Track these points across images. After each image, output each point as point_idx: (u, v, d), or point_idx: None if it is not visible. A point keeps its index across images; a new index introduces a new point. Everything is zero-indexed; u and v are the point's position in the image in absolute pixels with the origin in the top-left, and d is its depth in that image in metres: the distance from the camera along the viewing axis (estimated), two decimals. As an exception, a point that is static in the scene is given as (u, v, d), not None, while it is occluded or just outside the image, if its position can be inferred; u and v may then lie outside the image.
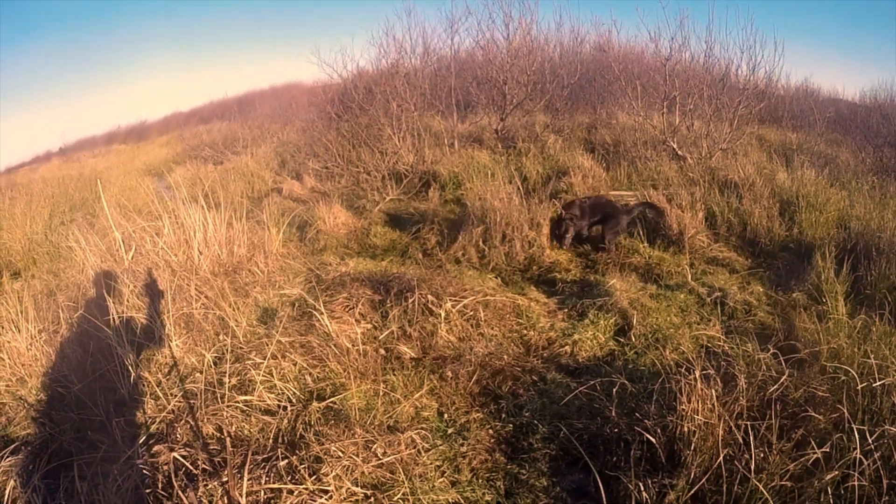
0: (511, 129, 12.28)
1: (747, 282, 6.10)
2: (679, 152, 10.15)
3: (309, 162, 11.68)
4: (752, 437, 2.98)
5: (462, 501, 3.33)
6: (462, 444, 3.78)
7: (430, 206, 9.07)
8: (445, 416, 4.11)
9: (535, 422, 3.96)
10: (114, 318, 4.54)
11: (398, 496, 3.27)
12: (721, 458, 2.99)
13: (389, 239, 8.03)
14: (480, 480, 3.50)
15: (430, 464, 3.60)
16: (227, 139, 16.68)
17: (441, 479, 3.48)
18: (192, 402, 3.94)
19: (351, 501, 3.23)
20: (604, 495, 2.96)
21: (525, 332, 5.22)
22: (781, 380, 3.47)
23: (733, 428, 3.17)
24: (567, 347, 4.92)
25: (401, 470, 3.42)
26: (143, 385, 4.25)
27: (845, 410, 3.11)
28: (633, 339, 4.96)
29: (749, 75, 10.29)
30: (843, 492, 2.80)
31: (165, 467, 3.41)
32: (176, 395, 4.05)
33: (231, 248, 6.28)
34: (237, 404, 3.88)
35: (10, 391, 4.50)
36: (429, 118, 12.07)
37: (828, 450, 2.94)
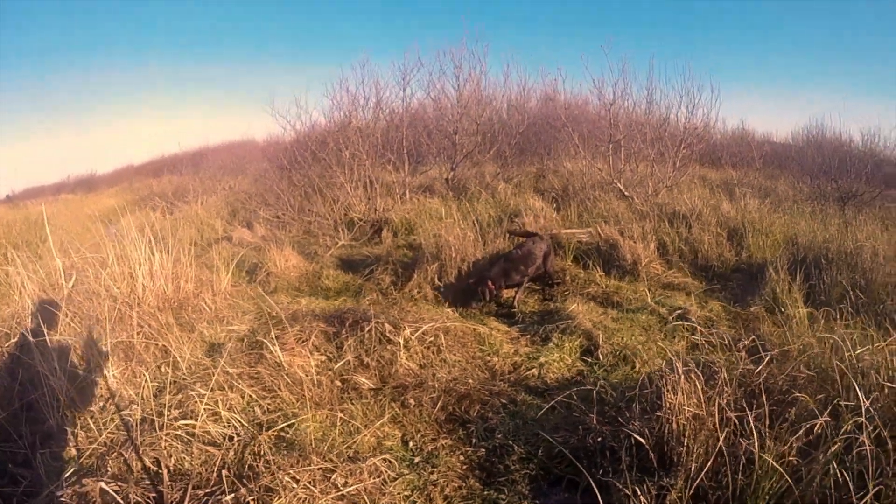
0: (461, 178, 12.06)
1: (705, 301, 5.94)
2: (626, 192, 10.02)
3: (260, 210, 11.22)
4: (750, 418, 2.73)
5: (437, 533, 2.85)
6: (432, 472, 3.34)
7: (384, 248, 8.64)
8: (411, 444, 3.65)
9: (510, 443, 3.53)
10: (47, 346, 3.98)
11: (364, 530, 2.78)
12: (720, 443, 2.72)
13: (342, 281, 7.54)
14: (455, 508, 3.03)
15: (398, 494, 3.15)
16: (178, 191, 16.14)
17: (411, 511, 3.01)
18: (127, 434, 3.40)
19: (309, 538, 2.73)
20: (604, 499, 2.54)
21: (489, 357, 4.82)
22: (760, 368, 3.31)
23: (725, 418, 2.88)
24: (534, 370, 4.55)
25: (366, 501, 2.93)
26: (74, 416, 3.70)
27: (838, 383, 3.04)
28: (602, 358, 4.70)
29: (688, 117, 10.30)
30: (848, 462, 2.55)
31: (93, 502, 2.88)
32: (109, 427, 3.52)
33: (178, 283, 5.76)
34: (177, 432, 3.34)
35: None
36: (381, 170, 11.77)
37: (829, 418, 2.78)
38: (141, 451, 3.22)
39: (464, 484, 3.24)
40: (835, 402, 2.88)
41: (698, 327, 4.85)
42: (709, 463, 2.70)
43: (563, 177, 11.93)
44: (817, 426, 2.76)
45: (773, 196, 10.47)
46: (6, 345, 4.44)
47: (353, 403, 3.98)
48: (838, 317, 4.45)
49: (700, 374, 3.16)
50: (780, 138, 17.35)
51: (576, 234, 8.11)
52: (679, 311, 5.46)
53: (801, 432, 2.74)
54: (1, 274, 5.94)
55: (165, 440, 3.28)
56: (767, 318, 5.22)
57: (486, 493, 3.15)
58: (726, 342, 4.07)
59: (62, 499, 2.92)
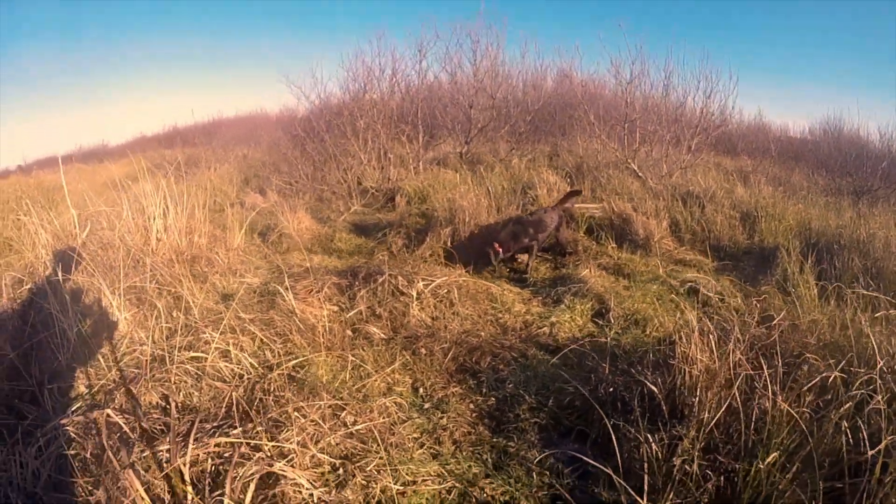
0: (475, 153, 11.96)
1: (716, 278, 5.79)
2: (640, 173, 9.91)
3: (273, 178, 11.16)
4: (765, 374, 2.69)
5: (445, 474, 2.81)
6: (441, 417, 3.32)
7: (397, 214, 8.56)
8: (421, 390, 3.62)
9: (521, 392, 3.49)
10: (60, 289, 3.95)
11: (373, 466, 2.75)
12: (733, 396, 2.64)
13: (354, 244, 7.49)
14: (464, 453, 3.02)
15: (408, 435, 3.12)
16: (191, 159, 16.07)
17: (420, 451, 3.01)
18: (137, 370, 3.37)
19: (318, 472, 2.69)
20: (618, 451, 2.51)
21: (500, 315, 4.78)
22: (773, 333, 3.22)
23: (737, 374, 2.80)
24: (545, 329, 4.50)
25: (376, 438, 2.90)
26: (85, 355, 3.65)
27: (850, 349, 2.99)
28: (613, 321, 4.61)
29: (706, 102, 10.16)
30: (860, 421, 2.46)
31: (97, 432, 2.86)
32: (119, 364, 3.47)
33: (191, 237, 5.71)
34: (186, 366, 3.31)
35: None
36: (395, 142, 11.69)
37: (842, 374, 2.75)
38: (150, 386, 3.20)
39: (473, 430, 3.21)
40: (847, 362, 2.85)
41: (711, 296, 4.81)
42: (720, 414, 2.65)
43: (577, 155, 11.82)
44: (830, 380, 2.72)
45: (787, 185, 10.32)
46: (19, 290, 4.43)
47: (364, 350, 3.95)
48: (849, 298, 4.33)
49: (714, 330, 3.13)
50: (796, 132, 17.23)
51: (589, 208, 8.02)
52: (691, 284, 5.40)
53: (813, 383, 2.70)
54: (15, 237, 5.92)
55: (175, 374, 3.25)
56: (779, 296, 5.14)
57: (495, 440, 3.12)
58: (738, 312, 4.03)
59: (67, 428, 2.91)
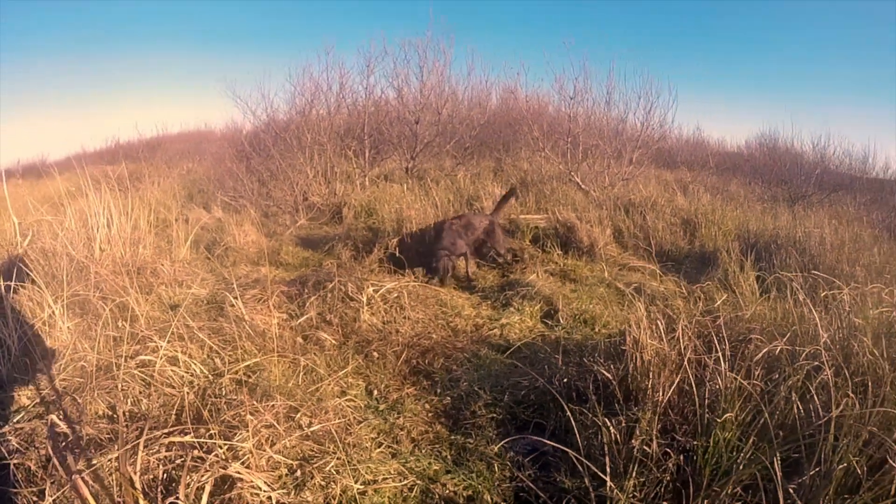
0: (421, 168, 11.98)
1: (660, 280, 5.89)
2: (583, 185, 10.08)
3: (217, 193, 10.97)
4: (716, 354, 2.76)
5: (406, 472, 2.78)
6: (398, 418, 3.29)
7: (344, 227, 8.48)
8: (375, 393, 3.59)
9: (476, 390, 3.48)
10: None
11: (331, 466, 2.69)
12: (685, 376, 2.72)
13: (302, 257, 7.39)
14: (424, 451, 3.00)
15: (365, 435, 3.09)
16: (134, 175, 15.68)
17: (379, 450, 2.97)
18: (81, 380, 3.26)
19: (275, 475, 2.63)
20: (578, 436, 2.51)
21: (451, 319, 4.78)
22: (718, 321, 3.36)
23: (687, 359, 2.84)
24: (496, 331, 4.53)
25: (336, 439, 2.84)
26: (25, 365, 3.52)
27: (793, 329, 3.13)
28: (562, 321, 4.66)
29: (646, 117, 10.41)
30: (809, 395, 2.54)
31: (42, 443, 2.75)
32: (62, 375, 3.37)
33: (136, 248, 5.56)
34: (133, 372, 3.20)
35: None
36: (341, 158, 11.63)
37: (787, 345, 2.85)
38: (96, 395, 3.09)
39: (430, 429, 3.19)
40: (791, 340, 2.96)
41: (656, 297, 4.91)
42: (674, 394, 2.71)
43: (521, 169, 11.95)
44: (777, 352, 2.82)
45: (725, 194, 10.67)
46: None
47: (316, 355, 3.87)
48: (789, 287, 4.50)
49: (661, 319, 3.18)
50: (733, 146, 17.83)
51: (534, 219, 8.11)
52: (635, 285, 5.46)
53: (761, 355, 2.80)
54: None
55: (122, 382, 3.14)
56: (721, 294, 5.28)
57: (453, 437, 3.09)
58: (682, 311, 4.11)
59: (9, 438, 2.79)
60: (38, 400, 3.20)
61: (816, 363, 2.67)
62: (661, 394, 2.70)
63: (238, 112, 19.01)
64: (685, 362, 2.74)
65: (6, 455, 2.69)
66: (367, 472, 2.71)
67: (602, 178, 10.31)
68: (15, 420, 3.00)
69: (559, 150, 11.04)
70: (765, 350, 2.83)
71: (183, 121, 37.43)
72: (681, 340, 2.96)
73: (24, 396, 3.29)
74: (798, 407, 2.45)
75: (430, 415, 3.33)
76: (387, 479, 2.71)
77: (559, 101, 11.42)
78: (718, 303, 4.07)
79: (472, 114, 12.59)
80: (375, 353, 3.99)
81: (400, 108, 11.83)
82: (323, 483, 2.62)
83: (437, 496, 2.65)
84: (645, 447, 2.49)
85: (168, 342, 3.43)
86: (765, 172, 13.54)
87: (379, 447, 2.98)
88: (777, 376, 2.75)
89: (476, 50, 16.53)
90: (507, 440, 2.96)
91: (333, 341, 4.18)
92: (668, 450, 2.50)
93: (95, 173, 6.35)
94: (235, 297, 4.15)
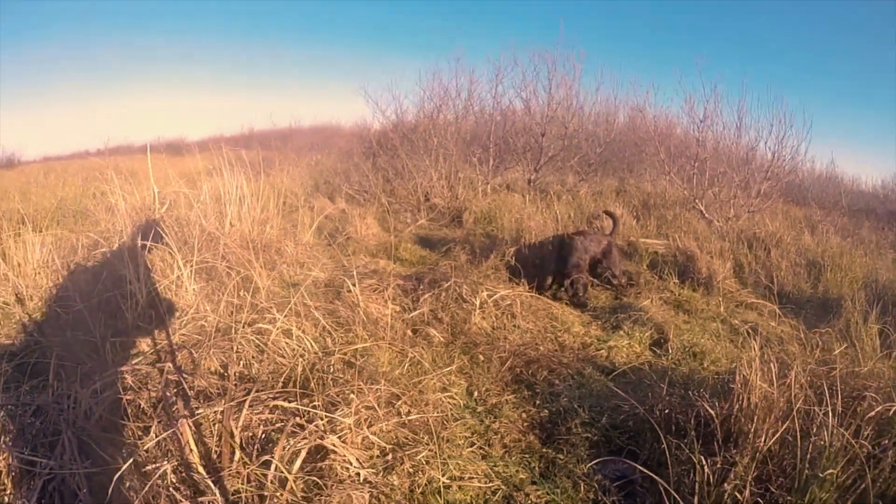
0: (543, 181, 11.93)
1: (778, 322, 5.59)
2: (706, 214, 9.72)
3: (343, 186, 11.33)
4: (828, 407, 2.55)
5: (493, 475, 2.77)
6: (494, 422, 3.26)
7: (463, 231, 8.59)
8: (475, 394, 3.58)
9: (575, 407, 3.41)
10: (134, 255, 4.10)
11: (422, 456, 2.73)
12: (790, 426, 2.53)
13: (419, 255, 7.53)
14: (513, 458, 2.96)
15: (459, 433, 3.08)
16: (265, 161, 16.43)
17: (470, 450, 2.95)
18: (199, 337, 3.46)
19: (367, 454, 2.70)
20: (671, 470, 2.43)
21: (560, 334, 4.70)
22: (833, 372, 3.17)
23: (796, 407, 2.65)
24: (603, 352, 4.41)
25: (431, 431, 2.88)
26: (150, 317, 3.77)
27: None
28: (671, 351, 4.48)
29: (777, 147, 9.89)
30: None
31: (154, 386, 2.94)
32: (182, 330, 3.57)
33: (263, 227, 5.85)
34: (249, 337, 3.36)
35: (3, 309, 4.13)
36: (464, 164, 11.77)
37: None
38: (211, 353, 3.26)
39: (523, 438, 3.15)
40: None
41: (772, 339, 4.68)
42: (776, 443, 2.56)
43: (644, 191, 11.69)
44: (891, 413, 2.65)
45: (855, 237, 9.95)
46: (94, 252, 4.61)
47: (423, 349, 3.93)
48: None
49: (774, 361, 3.00)
50: (868, 185, 16.70)
51: (653, 244, 7.93)
52: (751, 325, 5.21)
53: (873, 413, 2.62)
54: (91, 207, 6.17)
55: (238, 345, 3.31)
56: (839, 344, 4.97)
57: (544, 450, 3.04)
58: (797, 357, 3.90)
59: (126, 377, 2.99)
60: (156, 348, 3.43)
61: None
62: (762, 440, 2.55)
63: (368, 110, 19.56)
64: (794, 412, 2.60)
65: (121, 391, 2.87)
66: (455, 468, 2.72)
67: (727, 207, 9.88)
68: (133, 362, 3.21)
69: (685, 174, 10.65)
70: (878, 408, 2.64)
71: (315, 114, 38.86)
72: (792, 387, 2.79)
73: (144, 343, 3.51)
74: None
75: (525, 424, 3.30)
76: (473, 478, 2.71)
77: (688, 122, 10.99)
78: (836, 353, 3.81)
79: (598, 130, 12.39)
80: (481, 356, 3.99)
81: (527, 119, 11.82)
82: (411, 470, 2.65)
83: (518, 504, 2.64)
84: (737, 493, 2.36)
85: (285, 316, 3.56)
86: (899, 217, 12.47)
87: (471, 447, 2.97)
88: (887, 441, 2.55)
89: (605, 67, 16.22)
90: (597, 461, 2.89)
91: (442, 339, 4.23)
92: (759, 500, 2.38)
93: (230, 155, 6.69)
94: (353, 284, 4.27)
